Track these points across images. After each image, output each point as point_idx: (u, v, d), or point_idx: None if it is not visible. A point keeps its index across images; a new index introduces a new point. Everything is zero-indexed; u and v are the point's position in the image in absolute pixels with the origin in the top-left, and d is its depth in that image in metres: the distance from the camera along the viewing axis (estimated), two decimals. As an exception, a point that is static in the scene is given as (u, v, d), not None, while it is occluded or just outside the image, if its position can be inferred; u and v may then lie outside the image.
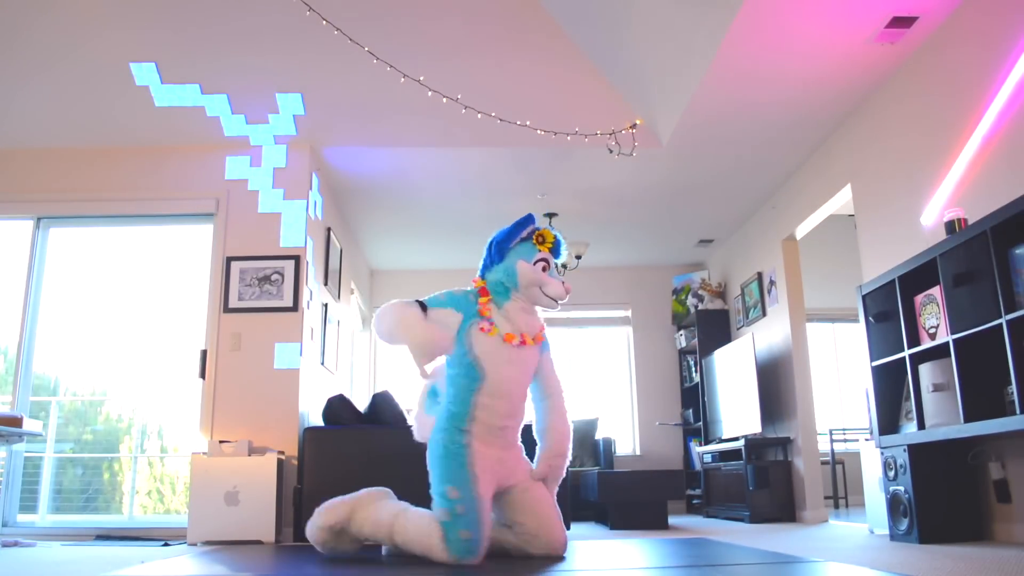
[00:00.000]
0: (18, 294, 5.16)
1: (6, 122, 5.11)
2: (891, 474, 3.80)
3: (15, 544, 4.23)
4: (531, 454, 3.25)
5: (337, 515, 3.10)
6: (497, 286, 3.18)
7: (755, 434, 5.91)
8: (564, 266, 6.57)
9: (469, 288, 3.22)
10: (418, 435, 3.22)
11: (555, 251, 3.26)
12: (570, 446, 3.25)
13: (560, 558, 3.03)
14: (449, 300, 3.13)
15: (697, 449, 7.14)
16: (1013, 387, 2.94)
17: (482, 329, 3.05)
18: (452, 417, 3.01)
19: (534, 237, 3.22)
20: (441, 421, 3.05)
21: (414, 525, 2.93)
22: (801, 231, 5.87)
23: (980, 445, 3.62)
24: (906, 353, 3.68)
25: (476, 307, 3.12)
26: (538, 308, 3.26)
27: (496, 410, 3.02)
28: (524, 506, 3.08)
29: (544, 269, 3.17)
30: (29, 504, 5.00)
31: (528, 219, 3.26)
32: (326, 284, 5.68)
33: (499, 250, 3.22)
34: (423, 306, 3.07)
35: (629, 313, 8.18)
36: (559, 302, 3.19)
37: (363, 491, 3.20)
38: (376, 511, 3.05)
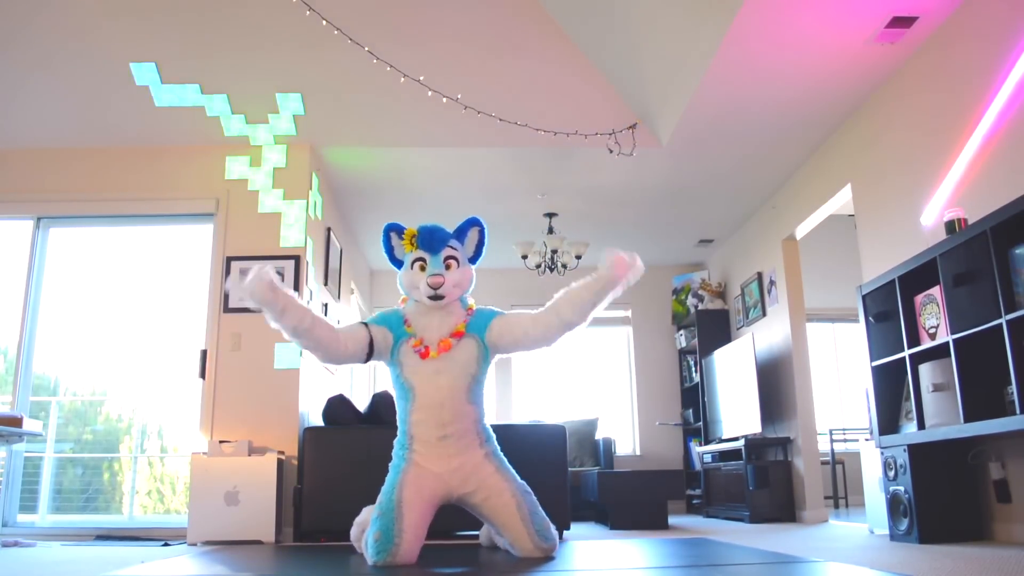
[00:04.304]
0: (18, 294, 5.15)
1: (6, 122, 5.10)
2: (891, 474, 3.80)
3: (15, 544, 4.23)
4: (511, 460, 3.21)
5: (365, 517, 3.30)
6: (409, 298, 3.27)
7: (755, 434, 5.91)
8: (562, 266, 6.58)
9: (397, 307, 3.30)
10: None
11: (426, 245, 3.19)
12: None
13: (551, 558, 3.01)
14: (381, 319, 3.22)
15: (697, 449, 7.14)
16: (1013, 387, 2.94)
17: (412, 346, 3.12)
18: (399, 437, 3.14)
19: (405, 240, 3.22)
20: (395, 442, 3.17)
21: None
22: (801, 231, 5.87)
23: (980, 445, 3.62)
24: (906, 353, 3.68)
25: (403, 325, 3.17)
26: (470, 300, 3.30)
27: (431, 422, 3.04)
28: (490, 516, 3.07)
29: (422, 268, 3.16)
30: (29, 504, 5.00)
31: (384, 231, 3.27)
32: (326, 284, 5.68)
33: (396, 265, 3.29)
34: (365, 324, 3.19)
35: (629, 313, 8.18)
36: (438, 298, 3.12)
37: (366, 511, 3.37)
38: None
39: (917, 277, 3.67)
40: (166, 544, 4.28)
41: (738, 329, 7.02)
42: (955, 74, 3.82)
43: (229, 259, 5.03)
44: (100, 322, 5.34)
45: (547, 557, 2.99)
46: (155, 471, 5.29)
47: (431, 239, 3.18)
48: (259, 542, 4.30)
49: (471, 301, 3.31)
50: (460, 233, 3.29)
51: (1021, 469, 3.45)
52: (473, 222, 3.32)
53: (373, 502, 3.19)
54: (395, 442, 3.17)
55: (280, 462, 4.52)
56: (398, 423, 3.17)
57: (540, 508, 3.09)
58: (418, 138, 5.23)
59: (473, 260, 3.32)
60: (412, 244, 3.20)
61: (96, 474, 5.17)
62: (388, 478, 3.06)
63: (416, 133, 5.20)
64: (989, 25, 3.56)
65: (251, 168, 5.19)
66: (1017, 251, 2.99)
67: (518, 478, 3.13)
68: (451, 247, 3.21)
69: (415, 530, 2.89)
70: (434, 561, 3.02)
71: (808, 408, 5.76)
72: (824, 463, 6.83)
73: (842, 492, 7.30)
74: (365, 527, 3.29)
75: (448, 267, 3.16)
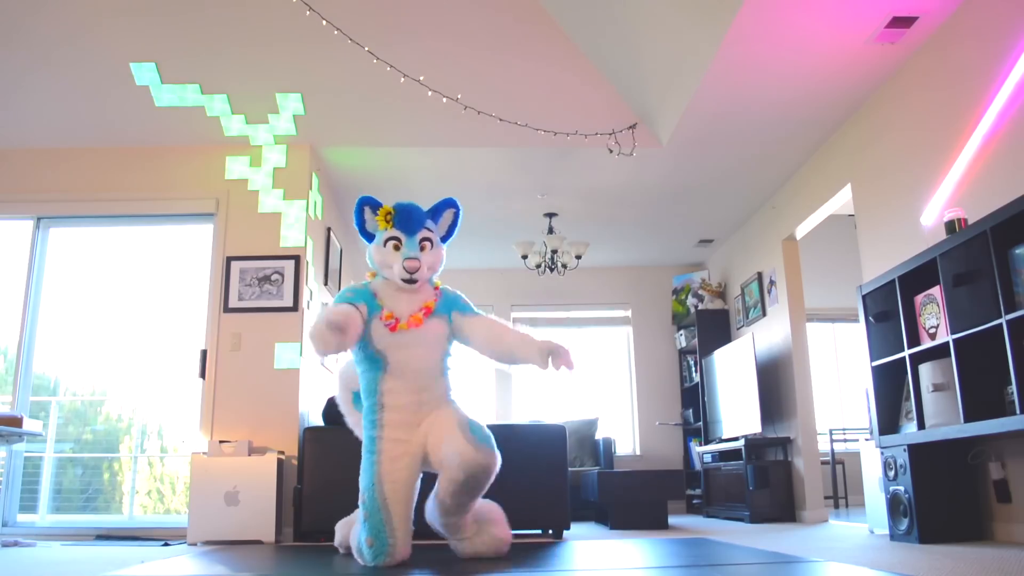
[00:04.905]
0: (18, 294, 5.16)
1: (6, 122, 5.11)
2: (891, 474, 3.80)
3: (15, 544, 4.23)
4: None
5: (344, 533, 3.31)
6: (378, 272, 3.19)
7: (755, 434, 5.91)
8: (562, 266, 6.58)
9: (365, 280, 3.23)
10: (357, 432, 3.26)
11: (402, 224, 3.11)
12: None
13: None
14: (357, 295, 3.10)
15: (697, 449, 7.14)
16: (1013, 387, 2.94)
17: (382, 319, 3.03)
18: (367, 412, 3.05)
19: (379, 216, 3.14)
20: (363, 417, 3.08)
21: (354, 533, 3.01)
22: (801, 231, 5.87)
23: (980, 445, 3.62)
24: (906, 353, 3.68)
25: (374, 299, 3.09)
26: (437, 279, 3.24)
27: (403, 388, 2.98)
28: (435, 438, 2.94)
29: (396, 248, 3.08)
30: (29, 504, 5.00)
31: (357, 204, 3.18)
32: (326, 284, 5.68)
33: (367, 238, 3.21)
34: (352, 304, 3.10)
35: (629, 313, 8.18)
36: (413, 281, 3.05)
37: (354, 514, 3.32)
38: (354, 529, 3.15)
39: (917, 277, 3.67)
40: (166, 544, 4.28)
41: (738, 329, 7.02)
42: (955, 74, 3.82)
43: (229, 259, 5.03)
44: (100, 322, 5.34)
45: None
46: (155, 471, 5.29)
47: (409, 220, 3.11)
48: (259, 542, 4.30)
49: (437, 280, 3.27)
50: (435, 213, 3.23)
51: (1021, 469, 3.45)
52: (449, 203, 3.27)
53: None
54: (364, 418, 3.07)
55: (280, 462, 4.52)
56: (365, 397, 3.08)
57: (483, 425, 2.99)
58: (418, 138, 5.23)
59: (444, 240, 3.26)
60: (387, 222, 3.12)
61: (96, 474, 5.17)
62: (363, 472, 2.97)
63: (416, 133, 5.20)
64: (989, 25, 3.57)
65: (251, 168, 5.19)
66: (1017, 251, 2.99)
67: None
68: (427, 228, 3.15)
69: (405, 524, 2.87)
70: (434, 561, 3.01)
71: (808, 408, 5.76)
72: (824, 463, 6.83)
73: (842, 492, 7.30)
74: (341, 542, 3.30)
75: (423, 248, 3.10)
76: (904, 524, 3.65)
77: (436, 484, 2.95)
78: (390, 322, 3.04)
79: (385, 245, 3.11)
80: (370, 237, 3.21)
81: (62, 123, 5.14)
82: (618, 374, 8.19)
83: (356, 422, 3.31)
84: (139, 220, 5.33)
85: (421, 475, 3.05)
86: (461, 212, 3.31)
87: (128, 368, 5.29)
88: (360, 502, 2.94)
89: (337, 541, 3.38)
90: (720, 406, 6.69)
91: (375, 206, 3.17)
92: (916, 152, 4.15)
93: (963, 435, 3.25)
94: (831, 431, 7.22)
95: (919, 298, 3.66)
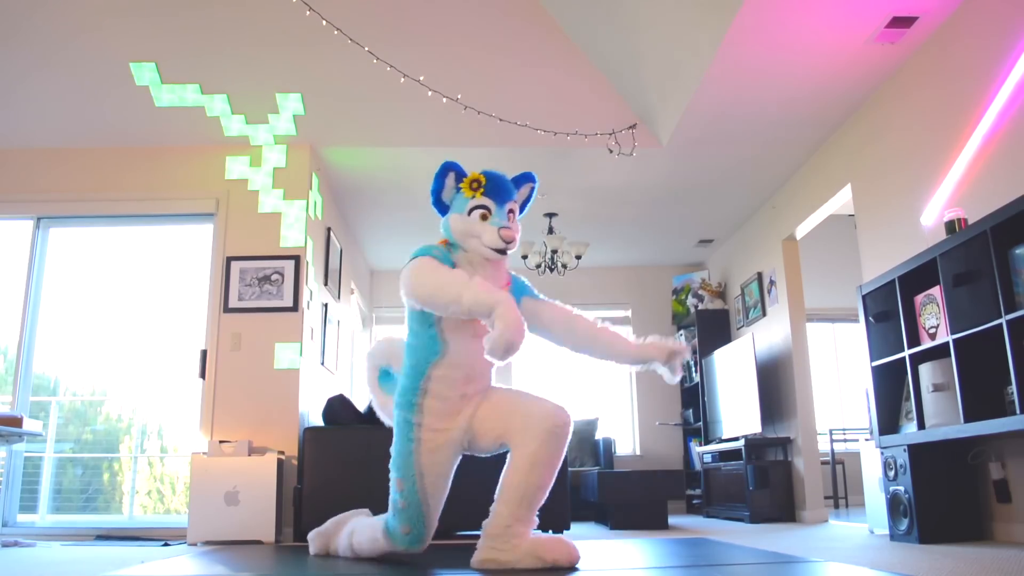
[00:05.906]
0: (18, 294, 5.15)
1: (6, 121, 5.11)
2: (891, 474, 3.80)
3: (15, 544, 4.23)
4: None
5: (319, 544, 3.26)
6: (451, 244, 2.96)
7: (755, 434, 5.91)
8: (562, 266, 6.57)
9: (436, 245, 2.97)
10: (386, 420, 3.05)
11: (493, 193, 2.90)
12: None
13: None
14: (444, 259, 2.87)
15: (697, 449, 7.14)
16: (1013, 387, 2.94)
17: None
18: (404, 392, 2.83)
19: (465, 184, 2.94)
20: (396, 396, 2.89)
21: (364, 526, 2.99)
22: (801, 231, 5.87)
23: (980, 445, 3.62)
24: (906, 353, 3.68)
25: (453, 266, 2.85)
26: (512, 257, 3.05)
27: (455, 380, 2.79)
28: (490, 414, 2.79)
29: (484, 217, 2.85)
30: (29, 504, 5.00)
31: (442, 168, 2.97)
32: (326, 284, 5.68)
33: (438, 207, 3.01)
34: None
35: (629, 313, 8.18)
36: (507, 251, 2.84)
37: (329, 522, 3.28)
38: (338, 535, 3.15)
39: (917, 277, 3.67)
40: (166, 544, 4.28)
41: (738, 329, 7.02)
42: (955, 74, 3.82)
43: (229, 259, 5.03)
44: (100, 322, 5.34)
45: (567, 425, 2.73)
46: (155, 471, 5.29)
47: (500, 189, 2.91)
48: (259, 542, 4.30)
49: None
50: (516, 185, 3.07)
51: (1021, 469, 3.45)
52: (529, 178, 3.10)
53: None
54: (399, 397, 2.85)
55: (280, 462, 4.52)
56: (406, 377, 2.84)
57: None
58: (418, 138, 5.23)
59: None
60: (474, 190, 2.90)
61: (96, 474, 5.17)
62: (399, 460, 2.81)
63: (416, 133, 5.20)
64: (989, 25, 3.57)
65: (251, 168, 5.19)
66: (1017, 251, 2.99)
67: None
68: (514, 200, 2.98)
69: (437, 513, 2.83)
70: (434, 561, 3.01)
71: (808, 408, 5.76)
72: (824, 463, 6.83)
73: (842, 492, 7.30)
74: (318, 551, 3.24)
75: (509, 220, 2.92)
76: (904, 524, 3.65)
77: (504, 475, 2.69)
78: None
79: (470, 214, 2.88)
80: (442, 207, 3.01)
81: (62, 123, 5.14)
82: (618, 374, 8.19)
83: (383, 404, 3.08)
84: (139, 220, 5.33)
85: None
86: (537, 188, 3.15)
87: (128, 368, 5.30)
88: (396, 490, 2.80)
89: (313, 551, 3.26)
90: (720, 406, 6.69)
91: (461, 173, 2.97)
92: (916, 152, 4.15)
93: (963, 435, 3.25)
94: (831, 431, 7.22)
95: (919, 298, 3.66)
